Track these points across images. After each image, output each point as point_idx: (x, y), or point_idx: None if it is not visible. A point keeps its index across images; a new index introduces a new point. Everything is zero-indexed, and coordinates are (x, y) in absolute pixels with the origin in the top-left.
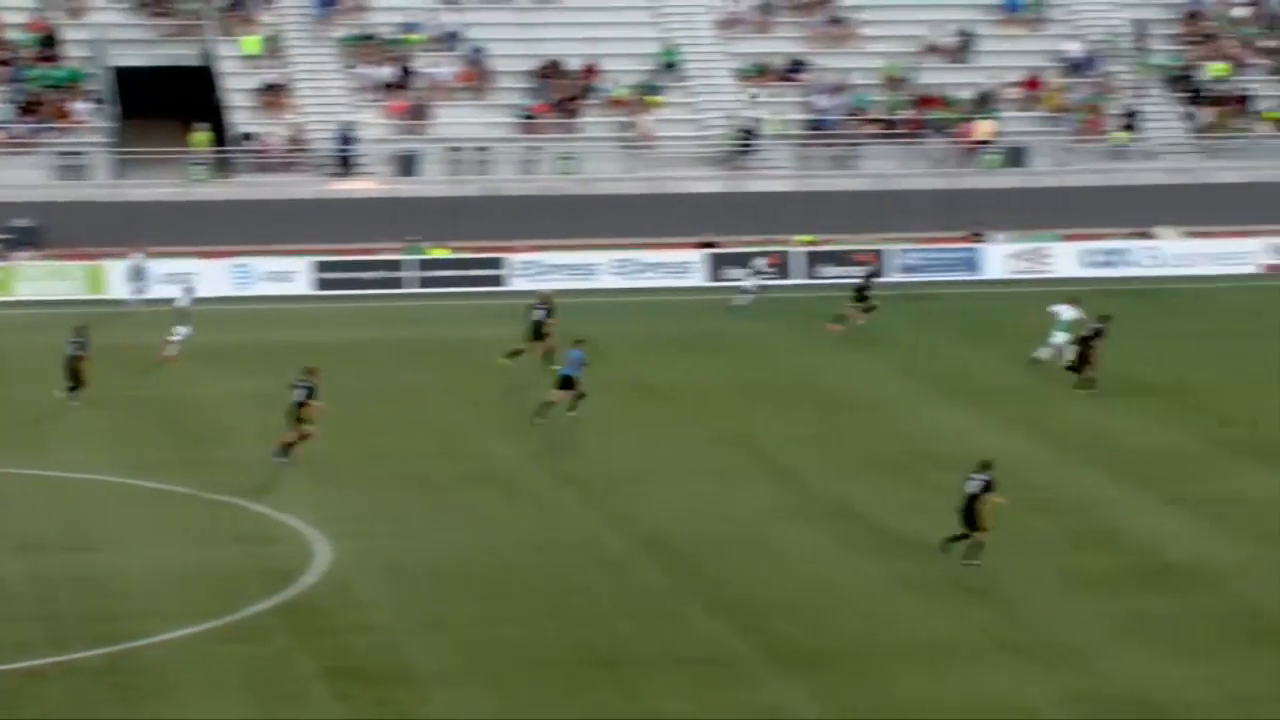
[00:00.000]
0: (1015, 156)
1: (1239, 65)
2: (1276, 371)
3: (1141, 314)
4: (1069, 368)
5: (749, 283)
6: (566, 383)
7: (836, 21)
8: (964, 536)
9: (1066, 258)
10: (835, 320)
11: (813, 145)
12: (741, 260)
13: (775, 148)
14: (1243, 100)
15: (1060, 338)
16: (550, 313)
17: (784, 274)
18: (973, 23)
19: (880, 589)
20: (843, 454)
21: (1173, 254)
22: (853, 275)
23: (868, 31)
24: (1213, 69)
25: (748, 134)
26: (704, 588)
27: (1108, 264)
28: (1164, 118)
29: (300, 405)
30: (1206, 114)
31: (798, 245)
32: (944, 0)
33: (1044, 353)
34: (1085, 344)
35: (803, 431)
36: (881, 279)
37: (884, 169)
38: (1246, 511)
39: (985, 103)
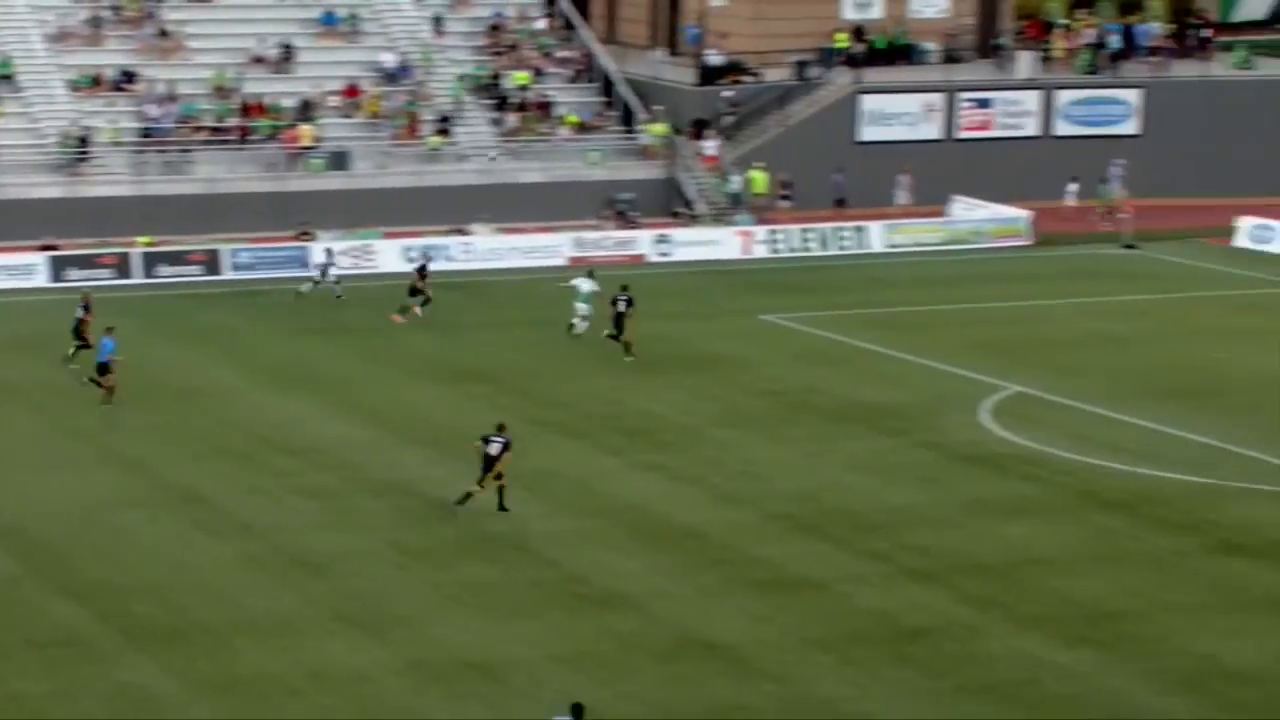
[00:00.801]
0: (338, 160)
1: (539, 74)
2: (579, 355)
3: (459, 305)
4: (610, 336)
5: (319, 274)
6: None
7: (164, 34)
8: (470, 497)
9: (390, 254)
10: (399, 311)
11: (147, 151)
12: (81, 262)
13: (111, 154)
14: (545, 106)
15: (583, 309)
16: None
17: (125, 274)
18: (293, 35)
19: (228, 568)
20: (187, 443)
21: (486, 249)
22: (188, 275)
23: (195, 44)
24: (516, 77)
25: (82, 141)
26: (60, 575)
27: (428, 258)
28: (474, 123)
29: None
30: (512, 119)
31: (138, 247)
32: (266, 15)
33: (579, 326)
34: (620, 315)
35: (149, 422)
36: (432, 270)
37: (216, 173)
38: (562, 484)
39: (308, 110)
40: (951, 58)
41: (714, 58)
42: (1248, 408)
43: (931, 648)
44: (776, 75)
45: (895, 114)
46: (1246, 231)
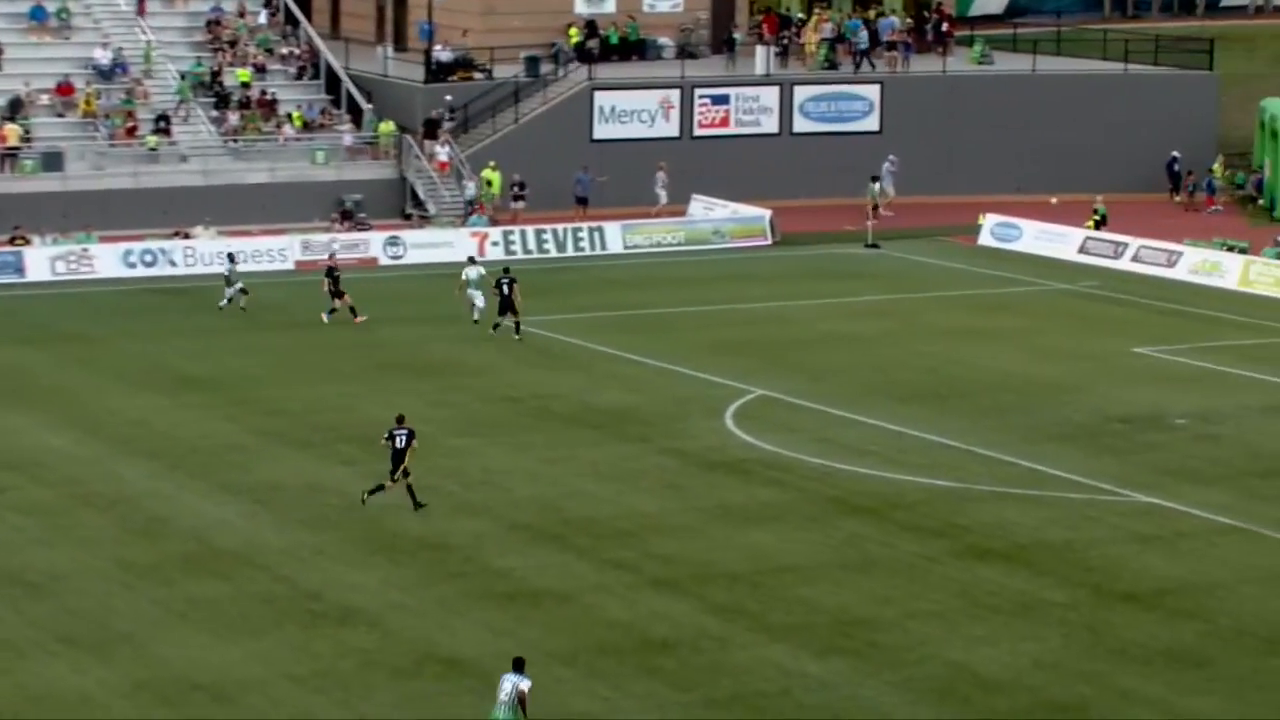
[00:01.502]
0: (51, 161)
1: (262, 70)
2: (311, 362)
3: (182, 309)
4: (495, 326)
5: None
6: None
7: None
8: (381, 489)
9: (108, 258)
10: (348, 312)
11: None
12: None
13: None
14: (269, 104)
15: (479, 297)
16: None
17: None
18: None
19: None
20: None
21: (209, 252)
22: None
23: None
24: (238, 74)
25: None
26: None
27: (149, 263)
28: (195, 122)
29: None
30: (234, 118)
31: None
32: None
33: (476, 313)
34: (506, 296)
35: None
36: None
37: None
38: (289, 496)
39: (16, 109)
40: (687, 53)
41: (443, 54)
42: (994, 410)
43: (679, 659)
44: (508, 72)
45: (631, 111)
46: (990, 229)
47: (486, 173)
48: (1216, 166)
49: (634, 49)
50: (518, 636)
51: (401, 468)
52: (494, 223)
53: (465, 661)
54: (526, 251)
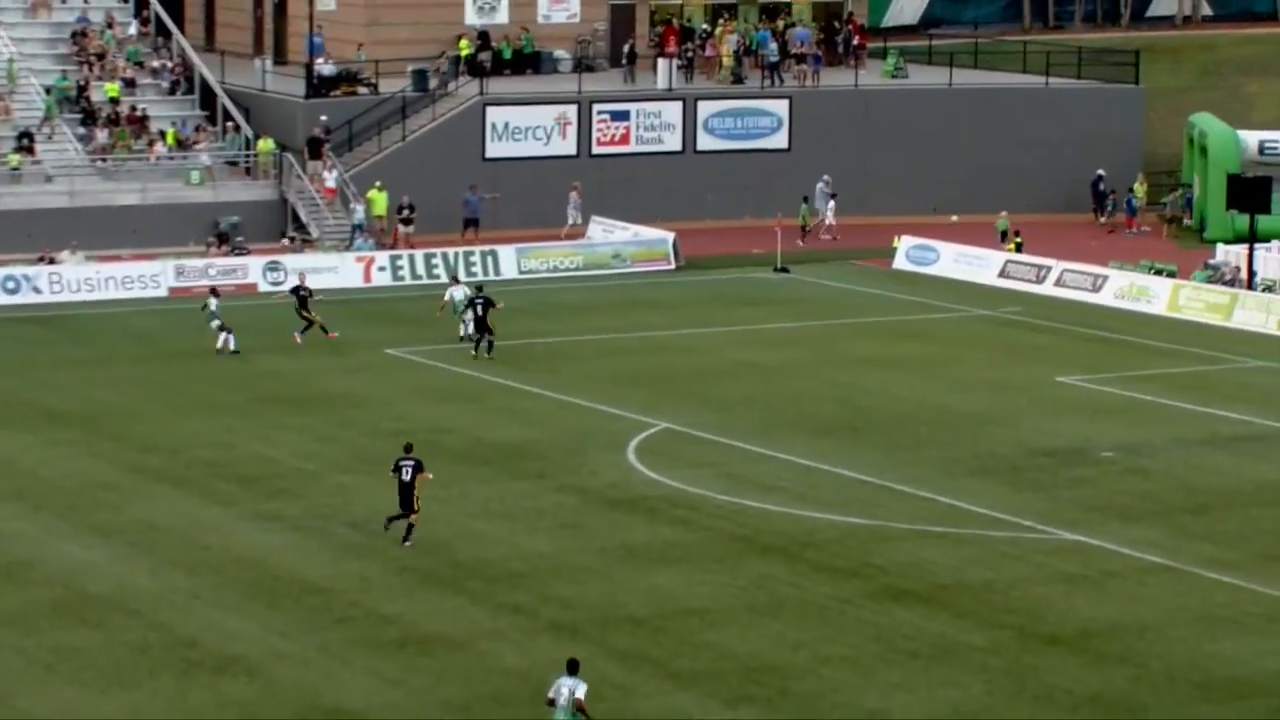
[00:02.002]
0: None
1: (132, 85)
2: (186, 395)
3: (47, 341)
4: (471, 339)
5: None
6: None
7: None
8: (403, 517)
9: None
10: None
11: None
12: None
13: None
14: (140, 121)
15: (469, 315)
16: None
17: None
18: None
19: None
20: None
21: (77, 279)
22: None
23: None
24: (106, 89)
25: None
26: None
27: (11, 290)
28: (60, 140)
29: None
30: (102, 135)
31: None
32: None
33: (467, 328)
34: (481, 317)
35: None
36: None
37: None
38: (164, 538)
39: None
40: (584, 66)
41: (325, 68)
42: (911, 443)
43: None
44: (395, 86)
45: (526, 128)
46: (905, 253)
47: (372, 194)
48: (1138, 186)
49: (528, 62)
50: (408, 686)
51: (414, 500)
52: (381, 247)
53: (351, 712)
54: (415, 277)
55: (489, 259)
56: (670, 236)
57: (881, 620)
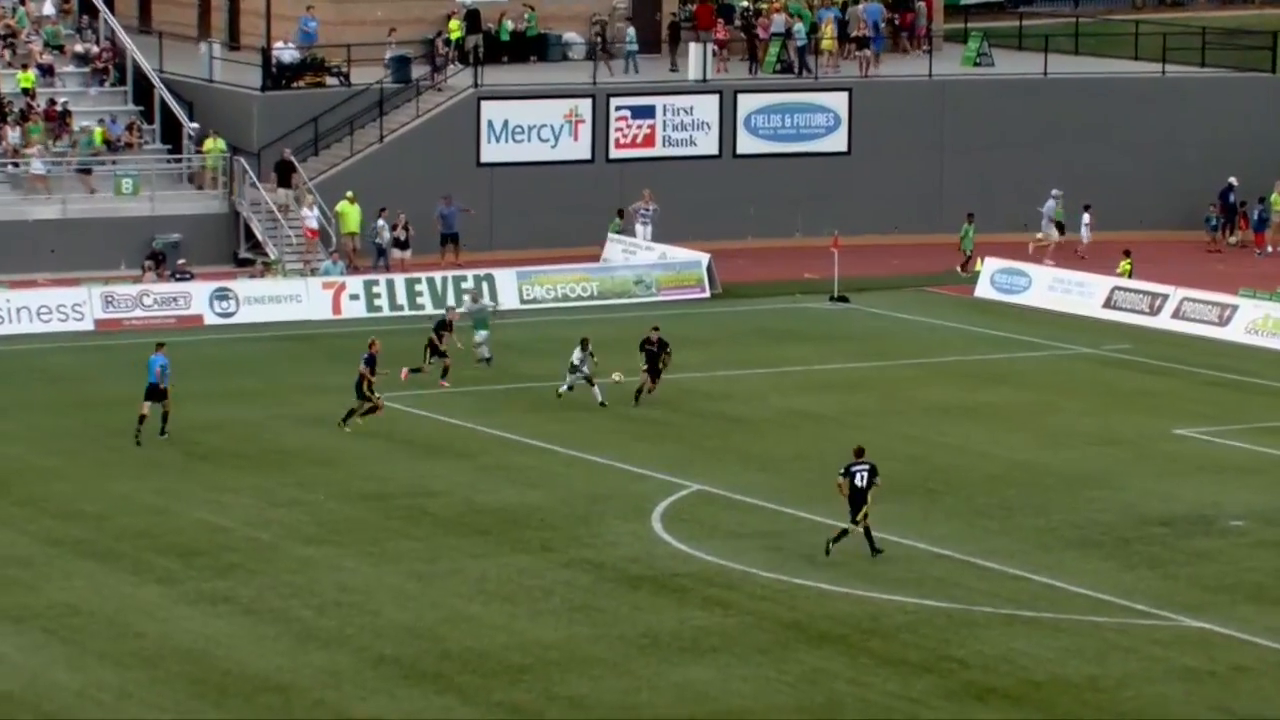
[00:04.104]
0: None
1: (50, 74)
2: (114, 450)
3: None
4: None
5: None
6: None
7: None
8: (845, 533)
9: None
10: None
11: None
12: None
13: None
14: (61, 117)
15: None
16: None
17: None
18: None
19: None
20: None
21: None
22: None
23: None
24: (19, 79)
25: None
26: None
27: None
28: None
29: None
30: (13, 135)
31: None
32: None
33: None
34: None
35: None
36: None
37: None
38: (92, 624)
39: None
40: (601, 52)
41: (286, 53)
42: (998, 509)
43: None
44: (370, 76)
45: (529, 127)
46: (991, 278)
47: (342, 206)
48: (1276, 196)
49: (532, 47)
50: None
51: (864, 510)
52: (353, 270)
53: None
54: (395, 308)
55: (485, 285)
56: (705, 259)
57: None
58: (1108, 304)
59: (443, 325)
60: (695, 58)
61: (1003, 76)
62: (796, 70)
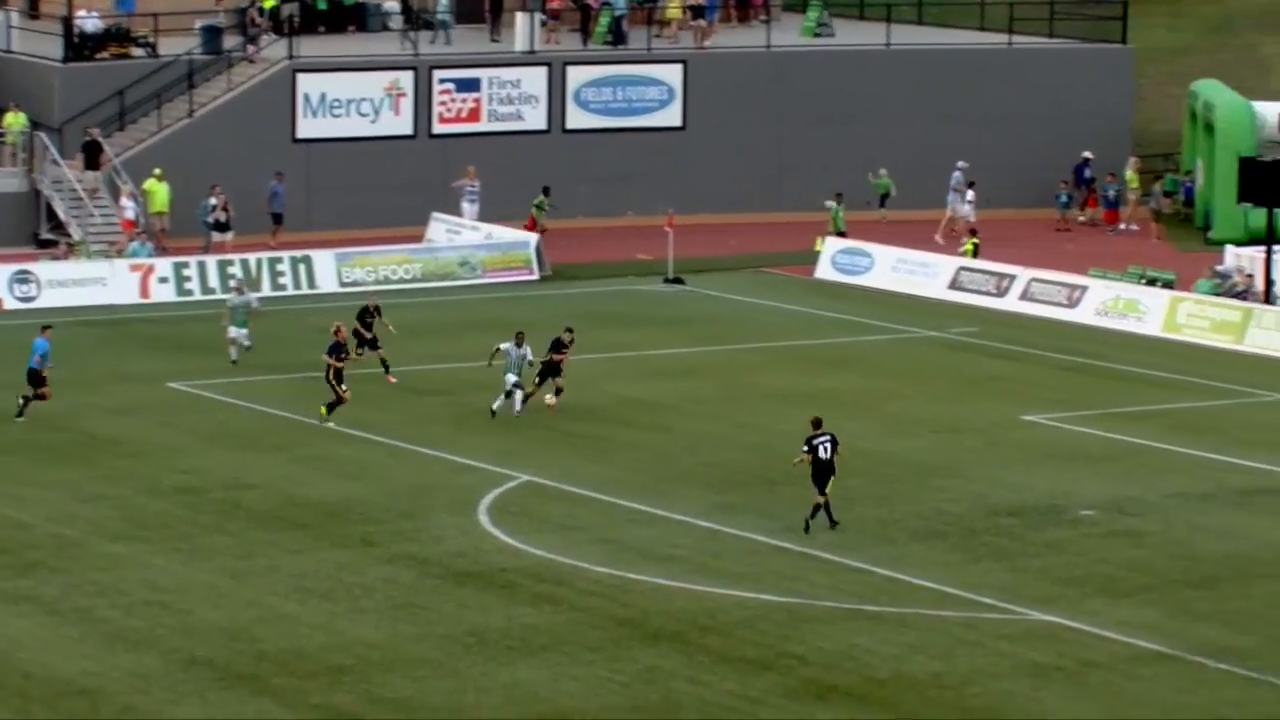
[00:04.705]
0: None
1: None
2: None
3: None
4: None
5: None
6: None
7: None
8: (819, 508)
9: None
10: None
11: None
12: None
13: None
14: None
15: (511, 377)
16: None
17: None
18: None
19: None
20: None
21: None
22: None
23: None
24: None
25: None
26: None
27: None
28: None
29: None
30: None
31: None
32: None
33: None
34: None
35: None
36: None
37: None
38: None
39: None
40: (422, 23)
41: (89, 22)
42: (840, 499)
43: None
44: (180, 47)
45: (348, 101)
46: (831, 258)
47: (150, 184)
48: (1129, 172)
49: (350, 16)
50: None
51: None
52: (161, 251)
53: None
54: (207, 291)
55: (301, 267)
56: (533, 239)
57: None
58: (953, 285)
59: (365, 312)
60: (522, 28)
61: (844, 48)
62: (613, 41)
